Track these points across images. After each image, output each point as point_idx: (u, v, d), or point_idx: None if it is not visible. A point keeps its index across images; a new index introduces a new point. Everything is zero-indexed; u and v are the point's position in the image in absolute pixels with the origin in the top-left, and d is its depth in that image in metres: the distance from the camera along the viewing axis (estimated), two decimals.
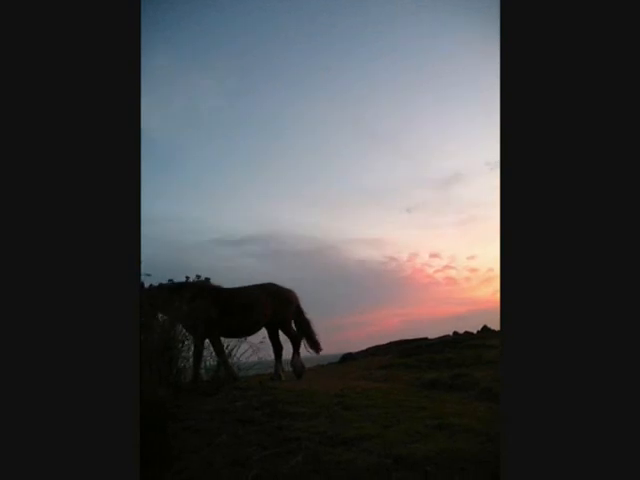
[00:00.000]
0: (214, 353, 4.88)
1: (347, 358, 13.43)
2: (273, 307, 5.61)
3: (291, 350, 6.00)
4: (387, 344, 14.85)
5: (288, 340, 5.96)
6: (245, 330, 5.33)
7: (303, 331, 6.10)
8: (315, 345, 6.17)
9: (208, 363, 4.80)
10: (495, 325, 12.91)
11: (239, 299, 5.33)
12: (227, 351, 4.93)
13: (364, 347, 15.26)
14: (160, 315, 3.96)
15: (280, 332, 5.90)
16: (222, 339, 5.07)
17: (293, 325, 6.05)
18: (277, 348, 5.85)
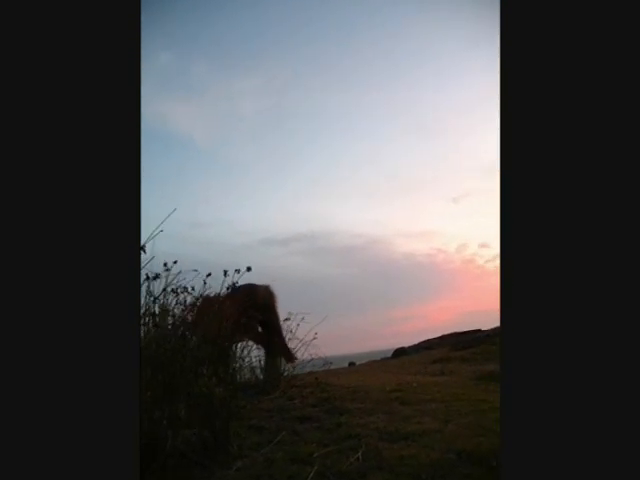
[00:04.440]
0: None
1: (400, 353, 13.36)
2: (242, 311, 4.61)
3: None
4: (440, 337, 14.64)
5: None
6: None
7: (270, 334, 5.17)
8: (285, 353, 5.13)
9: (263, 363, 4.84)
10: None
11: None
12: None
13: (416, 341, 15.11)
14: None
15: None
16: None
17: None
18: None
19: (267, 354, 5.12)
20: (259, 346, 5.03)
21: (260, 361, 4.84)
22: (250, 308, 4.93)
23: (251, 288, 5.21)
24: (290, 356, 5.18)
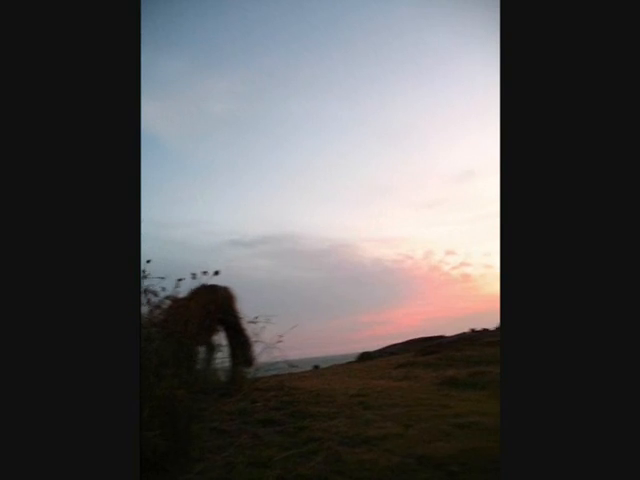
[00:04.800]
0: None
1: (365, 357, 13.45)
2: (205, 312, 4.69)
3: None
4: (404, 342, 14.86)
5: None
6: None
7: (231, 339, 5.13)
8: (246, 359, 5.02)
9: (225, 365, 4.78)
10: None
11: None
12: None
13: (381, 346, 15.28)
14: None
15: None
16: None
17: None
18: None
19: (209, 353, 4.91)
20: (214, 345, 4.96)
21: (223, 364, 4.79)
22: (212, 311, 4.90)
23: (211, 289, 5.16)
24: (248, 358, 5.08)
